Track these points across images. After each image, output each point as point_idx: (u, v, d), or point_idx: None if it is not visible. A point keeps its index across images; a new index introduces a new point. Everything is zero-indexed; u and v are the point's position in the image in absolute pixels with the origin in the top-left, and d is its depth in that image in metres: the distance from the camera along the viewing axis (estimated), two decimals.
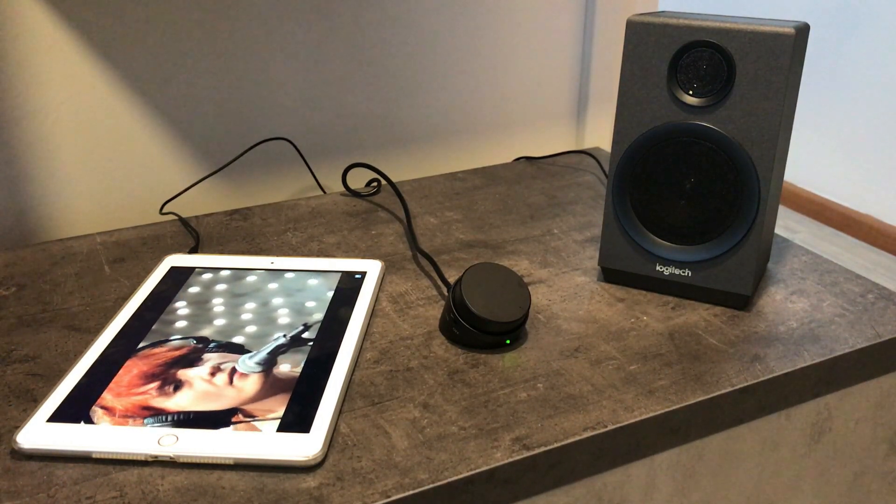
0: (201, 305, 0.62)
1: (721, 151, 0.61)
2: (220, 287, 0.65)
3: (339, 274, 0.67)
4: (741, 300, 0.64)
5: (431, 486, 0.46)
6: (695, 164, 0.62)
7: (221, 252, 0.73)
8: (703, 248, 0.63)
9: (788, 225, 2.67)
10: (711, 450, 0.57)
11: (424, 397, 0.53)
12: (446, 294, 0.66)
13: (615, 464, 0.52)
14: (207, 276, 0.67)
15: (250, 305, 0.62)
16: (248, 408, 0.50)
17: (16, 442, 0.47)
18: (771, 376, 0.56)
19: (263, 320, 0.60)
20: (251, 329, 0.59)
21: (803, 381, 0.58)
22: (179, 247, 0.74)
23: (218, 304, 0.63)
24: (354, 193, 0.86)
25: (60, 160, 0.80)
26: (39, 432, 0.48)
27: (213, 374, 0.54)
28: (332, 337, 0.58)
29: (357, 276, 0.67)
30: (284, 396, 0.51)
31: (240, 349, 0.57)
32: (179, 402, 0.51)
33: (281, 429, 0.48)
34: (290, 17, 0.85)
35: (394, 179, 0.96)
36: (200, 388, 0.52)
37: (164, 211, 0.86)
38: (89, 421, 0.49)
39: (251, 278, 0.66)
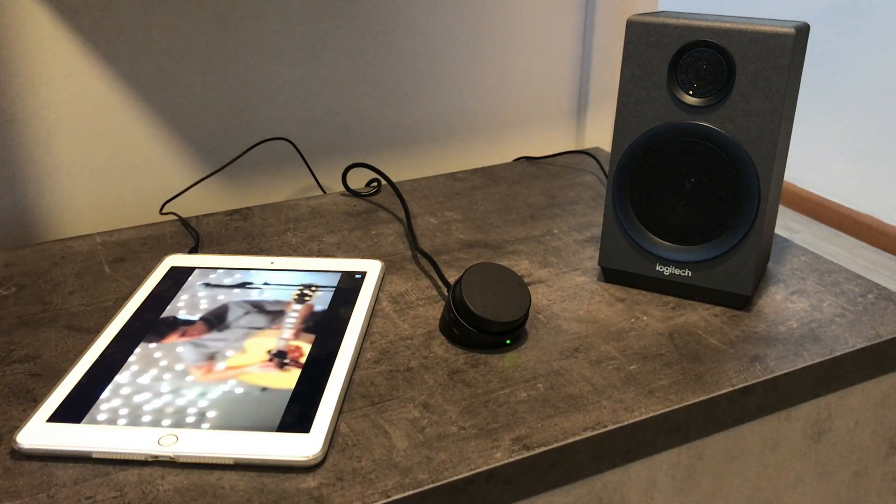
0: (200, 306, 0.62)
1: (721, 151, 0.61)
2: (220, 287, 0.65)
3: (339, 274, 0.67)
4: (741, 300, 0.64)
5: (431, 486, 0.46)
6: (695, 164, 0.62)
7: (221, 252, 0.73)
8: (703, 248, 0.63)
9: (788, 225, 2.67)
10: (711, 450, 0.57)
11: (424, 397, 0.53)
12: (446, 294, 0.66)
13: (615, 464, 0.52)
14: (207, 276, 0.67)
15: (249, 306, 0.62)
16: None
17: (16, 442, 0.47)
18: (771, 376, 0.56)
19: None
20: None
21: (803, 381, 0.58)
22: (179, 247, 0.74)
23: (217, 304, 0.63)
24: (354, 193, 0.86)
25: (60, 160, 0.80)
26: (39, 432, 0.48)
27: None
28: (332, 337, 0.58)
29: (357, 276, 0.67)
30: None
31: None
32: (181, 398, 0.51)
33: (281, 429, 0.48)
34: (291, 18, 0.85)
35: (394, 179, 0.96)
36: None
37: (164, 211, 0.86)
38: (89, 421, 0.49)
39: (251, 278, 0.66)
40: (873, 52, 2.47)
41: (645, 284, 0.67)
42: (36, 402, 0.52)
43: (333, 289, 0.65)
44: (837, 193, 2.66)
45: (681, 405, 0.53)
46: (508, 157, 1.04)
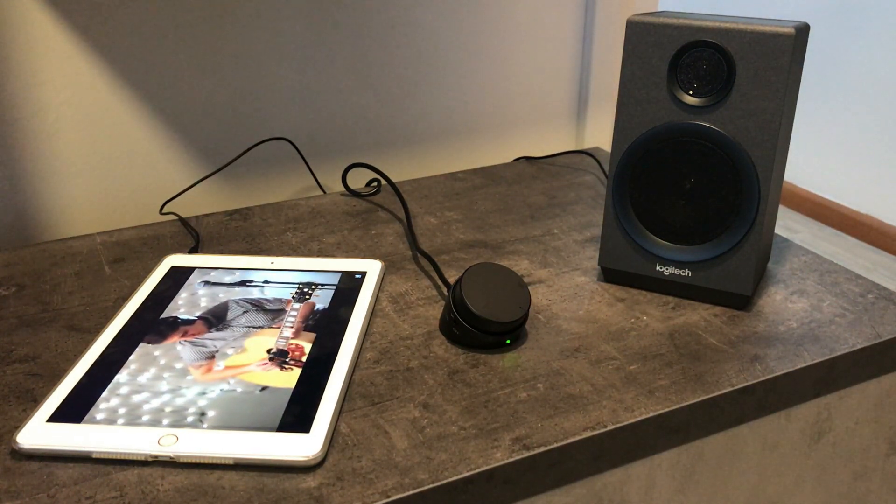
0: (200, 306, 0.62)
1: (721, 151, 0.61)
2: (220, 285, 0.65)
3: (339, 274, 0.67)
4: (741, 300, 0.64)
5: (431, 486, 0.46)
6: (695, 164, 0.62)
7: (221, 252, 0.73)
8: (703, 248, 0.63)
9: (788, 225, 2.67)
10: (711, 450, 0.57)
11: (424, 397, 0.53)
12: (446, 294, 0.66)
13: (615, 464, 0.52)
14: (208, 276, 0.67)
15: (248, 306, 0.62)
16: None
17: (16, 442, 0.47)
18: (771, 376, 0.56)
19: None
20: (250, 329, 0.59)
21: (803, 381, 0.58)
22: (179, 247, 0.74)
23: (217, 304, 0.63)
24: (354, 193, 0.86)
25: (60, 160, 0.80)
26: (39, 432, 0.48)
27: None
28: (332, 337, 0.58)
29: (357, 276, 0.67)
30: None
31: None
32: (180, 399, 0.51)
33: (281, 429, 0.48)
34: (291, 17, 0.85)
35: (394, 179, 0.96)
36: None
37: (164, 211, 0.86)
38: (89, 421, 0.49)
39: (251, 277, 0.66)
40: (873, 52, 2.47)
41: (645, 284, 0.67)
42: (36, 402, 0.52)
43: (333, 288, 0.65)
44: (837, 193, 2.66)
45: (681, 405, 0.53)
46: (508, 157, 1.04)
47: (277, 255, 0.72)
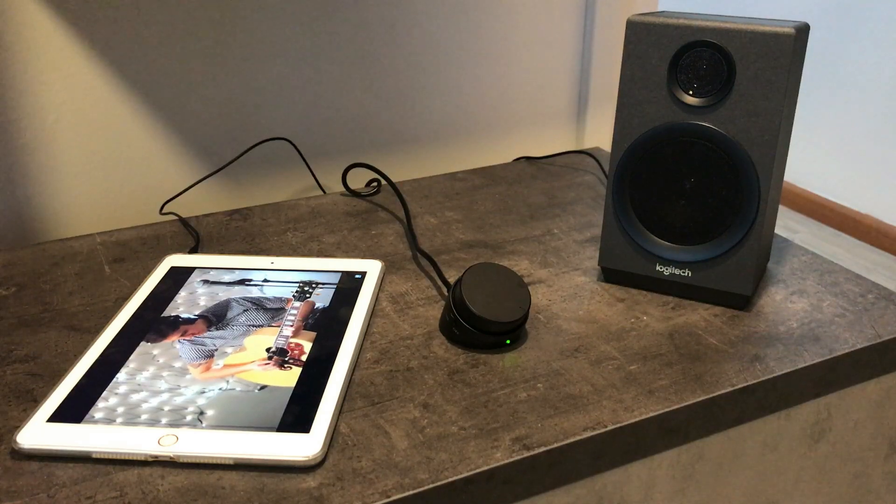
0: (200, 305, 0.62)
1: (721, 151, 0.61)
2: (220, 284, 0.65)
3: (339, 274, 0.67)
4: (741, 300, 0.64)
5: (431, 486, 0.46)
6: (695, 164, 0.62)
7: (221, 252, 0.73)
8: (703, 248, 0.63)
9: (788, 225, 2.67)
10: (711, 450, 0.57)
11: (424, 397, 0.53)
12: (446, 294, 0.66)
13: (615, 464, 0.52)
14: (207, 276, 0.67)
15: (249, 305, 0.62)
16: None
17: (16, 442, 0.47)
18: (771, 376, 0.56)
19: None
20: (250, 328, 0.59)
21: (803, 381, 0.58)
22: (179, 247, 0.74)
23: (217, 304, 0.63)
24: (354, 193, 0.86)
25: (60, 160, 0.80)
26: (39, 432, 0.48)
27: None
28: (332, 337, 0.58)
29: (357, 276, 0.67)
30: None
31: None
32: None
33: (281, 428, 0.48)
34: (291, 18, 0.85)
35: (394, 179, 0.96)
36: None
37: (164, 211, 0.86)
38: (89, 421, 0.49)
39: (251, 277, 0.66)
40: (873, 52, 2.47)
41: (645, 284, 0.67)
42: (36, 402, 0.52)
43: (334, 288, 0.65)
44: (837, 193, 2.66)
45: (681, 405, 0.53)
46: (508, 157, 1.04)
47: (277, 255, 0.72)
